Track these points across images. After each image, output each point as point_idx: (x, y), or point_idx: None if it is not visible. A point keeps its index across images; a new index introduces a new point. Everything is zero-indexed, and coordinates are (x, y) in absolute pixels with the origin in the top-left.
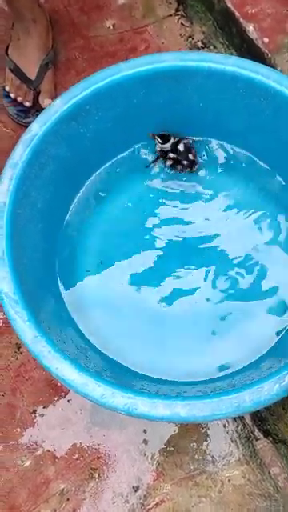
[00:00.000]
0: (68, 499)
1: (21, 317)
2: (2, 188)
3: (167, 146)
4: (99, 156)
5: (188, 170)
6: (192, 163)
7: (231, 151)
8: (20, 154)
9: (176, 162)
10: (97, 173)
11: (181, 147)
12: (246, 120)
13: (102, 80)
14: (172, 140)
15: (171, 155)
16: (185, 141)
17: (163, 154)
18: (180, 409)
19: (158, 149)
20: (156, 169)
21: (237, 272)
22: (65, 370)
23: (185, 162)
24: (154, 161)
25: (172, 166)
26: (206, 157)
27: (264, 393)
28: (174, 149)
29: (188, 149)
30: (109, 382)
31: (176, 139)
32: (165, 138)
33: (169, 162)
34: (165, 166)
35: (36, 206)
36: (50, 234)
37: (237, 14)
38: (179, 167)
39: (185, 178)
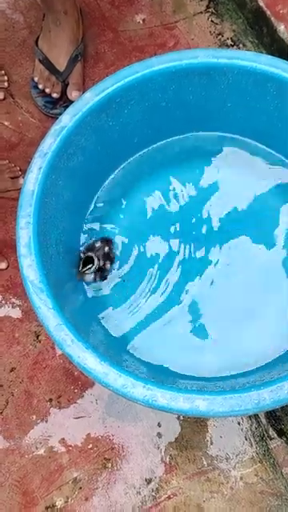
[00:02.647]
0: (81, 488)
1: (45, 304)
2: (31, 177)
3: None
4: (127, 149)
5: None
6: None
7: (258, 150)
8: (49, 144)
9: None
10: (123, 165)
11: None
12: (277, 120)
13: (133, 74)
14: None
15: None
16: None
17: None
18: (200, 402)
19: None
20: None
21: (262, 267)
22: (87, 359)
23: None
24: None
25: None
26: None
27: (284, 391)
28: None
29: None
30: (129, 373)
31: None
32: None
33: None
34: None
35: (63, 197)
36: (75, 225)
37: (268, 12)
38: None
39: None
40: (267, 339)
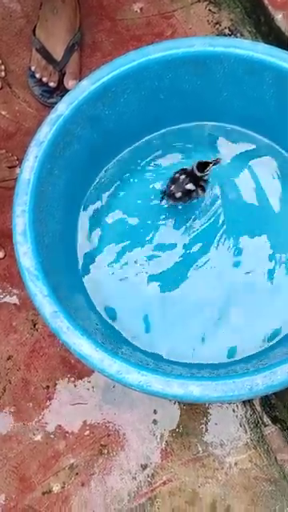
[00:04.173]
0: (77, 473)
1: (41, 292)
2: (27, 165)
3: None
4: (123, 138)
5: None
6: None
7: (255, 140)
8: (45, 132)
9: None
10: (120, 155)
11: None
12: (273, 110)
13: (129, 62)
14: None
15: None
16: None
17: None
18: (194, 388)
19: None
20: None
21: (253, 258)
22: (83, 345)
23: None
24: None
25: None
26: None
27: (277, 377)
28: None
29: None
30: (124, 360)
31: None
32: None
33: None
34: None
35: (59, 185)
36: (71, 214)
37: (266, 1)
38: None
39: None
40: (261, 326)
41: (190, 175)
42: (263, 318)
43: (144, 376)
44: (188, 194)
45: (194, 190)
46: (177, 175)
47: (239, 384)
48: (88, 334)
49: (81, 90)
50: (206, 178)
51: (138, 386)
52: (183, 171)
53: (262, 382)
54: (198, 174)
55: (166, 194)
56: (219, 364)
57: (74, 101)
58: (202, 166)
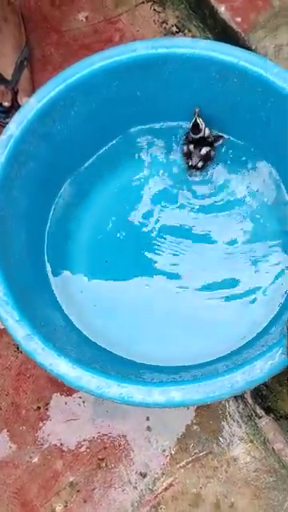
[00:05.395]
0: (78, 490)
1: (12, 316)
2: None
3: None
4: (80, 152)
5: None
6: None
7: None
8: None
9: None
10: (80, 168)
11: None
12: (223, 105)
13: (74, 75)
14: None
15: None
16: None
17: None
18: (175, 393)
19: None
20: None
21: (227, 258)
22: (59, 365)
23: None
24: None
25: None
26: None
27: (256, 371)
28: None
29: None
30: (103, 373)
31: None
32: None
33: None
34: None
35: (20, 205)
36: (37, 232)
37: None
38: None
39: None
40: (237, 325)
41: (195, 141)
42: (243, 313)
43: (124, 387)
44: (206, 157)
45: (209, 151)
46: (185, 148)
47: (219, 383)
48: (64, 353)
49: (29, 108)
50: (206, 134)
51: (119, 398)
52: (188, 142)
53: (241, 379)
54: (197, 136)
55: (190, 168)
56: (200, 364)
57: (23, 120)
58: (194, 127)
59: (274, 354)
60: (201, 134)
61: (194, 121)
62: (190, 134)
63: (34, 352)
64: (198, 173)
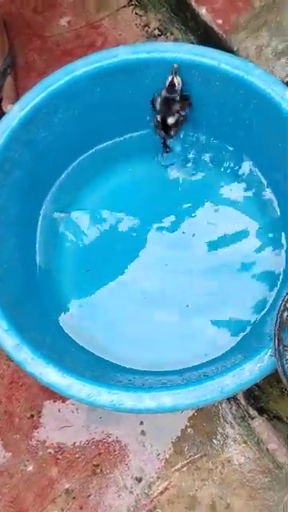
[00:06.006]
0: (74, 497)
1: (0, 326)
2: None
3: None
4: (65, 158)
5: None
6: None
7: (201, 141)
8: None
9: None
10: (65, 174)
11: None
12: (206, 108)
13: (56, 81)
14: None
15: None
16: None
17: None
18: (166, 399)
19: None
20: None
21: (217, 260)
22: (49, 374)
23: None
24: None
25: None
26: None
27: (246, 374)
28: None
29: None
30: (93, 381)
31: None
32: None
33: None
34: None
35: (8, 214)
36: (27, 240)
37: None
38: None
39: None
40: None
41: (168, 100)
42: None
43: (115, 394)
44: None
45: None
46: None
47: (210, 387)
48: (54, 362)
49: (12, 116)
50: (184, 94)
51: (110, 405)
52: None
53: (231, 382)
54: (173, 95)
55: (156, 127)
56: (193, 367)
57: (7, 128)
58: (171, 86)
59: (262, 356)
60: (176, 94)
61: (171, 79)
62: (166, 91)
63: (24, 362)
64: (165, 134)
